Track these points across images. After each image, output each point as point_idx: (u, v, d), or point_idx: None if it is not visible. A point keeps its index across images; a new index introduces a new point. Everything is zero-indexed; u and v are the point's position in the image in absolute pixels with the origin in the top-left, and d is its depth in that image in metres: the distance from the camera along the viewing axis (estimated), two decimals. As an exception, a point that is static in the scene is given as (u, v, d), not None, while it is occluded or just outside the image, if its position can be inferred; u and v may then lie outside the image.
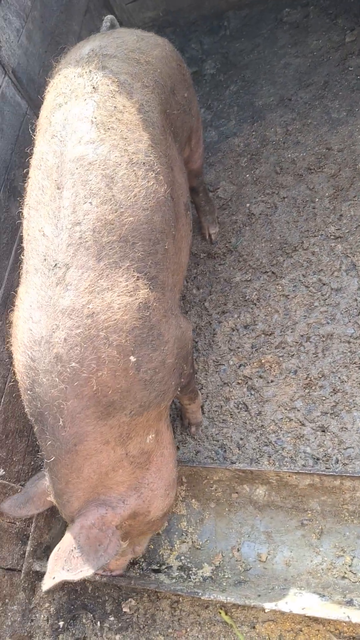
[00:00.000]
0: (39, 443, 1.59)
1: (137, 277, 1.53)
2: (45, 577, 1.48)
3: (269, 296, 2.60)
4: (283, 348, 2.44)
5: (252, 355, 2.48)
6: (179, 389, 2.01)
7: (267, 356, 2.44)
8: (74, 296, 1.44)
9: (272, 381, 2.38)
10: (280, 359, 2.42)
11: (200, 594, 1.85)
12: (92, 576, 1.94)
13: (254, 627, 1.92)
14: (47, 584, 1.46)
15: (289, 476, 1.98)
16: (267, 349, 2.46)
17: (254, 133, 3.18)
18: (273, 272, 2.65)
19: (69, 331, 1.43)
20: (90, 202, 1.50)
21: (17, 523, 2.11)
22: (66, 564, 1.45)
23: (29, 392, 1.51)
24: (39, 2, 2.73)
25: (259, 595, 1.85)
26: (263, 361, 2.44)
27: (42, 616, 2.13)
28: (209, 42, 3.74)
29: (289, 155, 2.98)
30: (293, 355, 2.41)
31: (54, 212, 1.53)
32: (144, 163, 1.61)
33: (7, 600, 2.01)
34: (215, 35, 3.76)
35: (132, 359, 1.48)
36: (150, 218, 1.59)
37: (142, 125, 1.67)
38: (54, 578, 1.45)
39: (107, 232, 1.50)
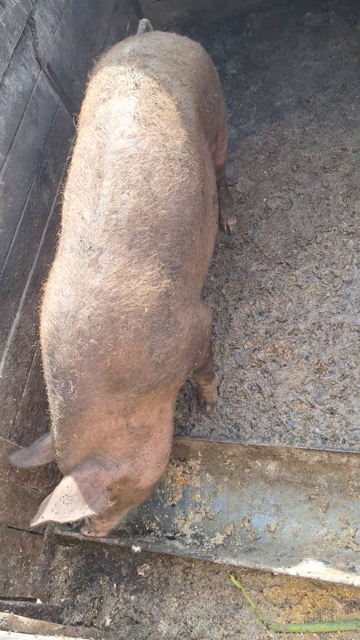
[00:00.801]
0: (49, 400, 1.72)
1: (163, 266, 1.65)
2: (35, 515, 1.63)
3: (283, 286, 2.72)
4: (296, 335, 2.56)
5: (266, 340, 2.60)
6: (196, 371, 2.15)
7: (281, 342, 2.56)
8: (103, 279, 1.58)
9: (284, 365, 2.51)
10: (293, 344, 2.54)
11: (213, 558, 1.98)
12: (84, 536, 2.09)
13: (261, 591, 2.04)
14: (35, 521, 1.61)
15: (300, 453, 2.10)
16: (281, 335, 2.59)
17: (272, 132, 3.30)
18: (287, 264, 2.78)
19: (93, 310, 1.56)
20: (128, 193, 1.63)
21: (39, 490, 2.24)
22: (55, 508, 1.58)
23: (48, 356, 1.65)
24: (72, -1, 2.87)
25: (270, 561, 1.98)
26: (276, 346, 2.56)
27: (61, 578, 2.26)
28: (231, 42, 3.87)
29: (305, 154, 3.11)
30: (305, 341, 2.53)
31: (94, 198, 1.66)
32: (180, 159, 1.74)
33: (29, 560, 2.14)
34: (238, 36, 3.88)
35: (147, 343, 1.61)
36: (182, 211, 1.72)
37: (180, 122, 1.80)
38: (42, 517, 1.59)
39: (140, 222, 1.62)
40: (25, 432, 2.22)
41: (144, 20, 2.33)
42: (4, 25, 2.23)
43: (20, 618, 1.59)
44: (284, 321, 2.62)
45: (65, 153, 2.65)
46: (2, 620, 1.52)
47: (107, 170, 1.66)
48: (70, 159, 1.85)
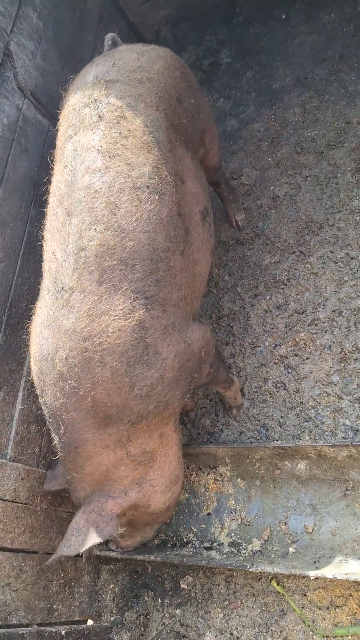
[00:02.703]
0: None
1: (134, 297, 1.62)
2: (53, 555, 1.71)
3: (299, 275, 2.63)
4: (316, 325, 2.47)
5: (286, 335, 2.52)
6: (208, 384, 2.12)
7: (301, 334, 2.48)
8: (75, 319, 1.58)
9: (307, 358, 2.42)
10: (314, 335, 2.45)
11: (248, 566, 1.94)
12: (115, 553, 2.18)
13: (305, 595, 1.98)
14: (50, 559, 1.71)
15: (327, 449, 2.03)
16: (301, 327, 2.50)
17: (273, 116, 3.20)
18: (301, 252, 2.68)
19: (69, 352, 1.57)
20: (95, 229, 1.62)
21: (74, 512, 2.27)
22: (67, 542, 1.66)
23: (40, 398, 1.70)
24: (51, 21, 2.87)
25: (308, 565, 1.92)
26: (297, 339, 2.48)
27: (108, 596, 2.28)
28: (223, 31, 3.78)
29: (309, 134, 2.99)
30: (326, 331, 2.44)
31: (64, 237, 1.66)
32: (147, 186, 1.70)
33: (72, 583, 2.17)
34: (229, 23, 3.78)
35: (126, 378, 1.59)
36: (153, 239, 1.68)
37: (147, 147, 1.75)
38: (55, 554, 1.68)
39: (108, 256, 1.61)
40: (53, 458, 2.25)
41: (109, 35, 2.29)
42: (-22, 64, 2.27)
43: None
44: (302, 312, 2.54)
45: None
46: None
47: (75, 207, 1.65)
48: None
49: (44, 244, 1.81)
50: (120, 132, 1.72)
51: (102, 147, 1.68)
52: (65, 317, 1.59)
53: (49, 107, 2.68)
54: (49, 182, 2.56)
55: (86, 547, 1.62)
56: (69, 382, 1.56)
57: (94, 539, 1.63)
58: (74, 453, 1.65)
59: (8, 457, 2.08)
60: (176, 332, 1.73)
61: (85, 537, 1.63)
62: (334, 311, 2.46)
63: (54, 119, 2.70)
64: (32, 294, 2.34)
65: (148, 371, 1.63)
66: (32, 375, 1.75)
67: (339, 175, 2.76)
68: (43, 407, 1.70)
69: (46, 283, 1.72)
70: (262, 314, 2.64)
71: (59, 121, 1.97)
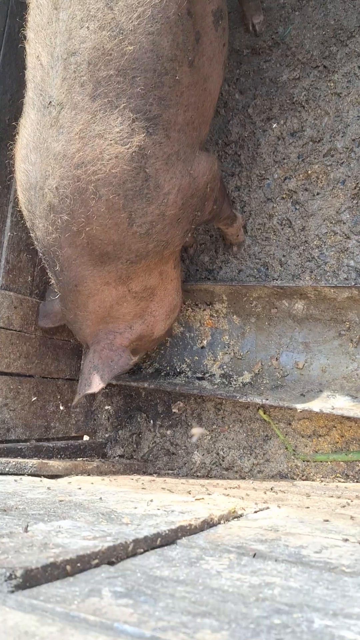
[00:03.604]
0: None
1: (134, 118, 1.37)
2: (75, 396, 1.75)
3: (319, 96, 2.31)
4: (332, 156, 2.24)
5: (298, 167, 2.30)
6: (209, 221, 1.98)
7: (314, 166, 2.26)
8: (65, 141, 1.36)
9: (318, 194, 2.24)
10: (329, 168, 2.24)
11: (237, 397, 2.00)
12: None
13: (289, 424, 2.08)
14: (75, 400, 1.76)
15: (328, 290, 1.96)
16: (315, 158, 2.27)
17: None
18: (325, 66, 2.33)
19: (59, 180, 1.38)
20: (87, 27, 1.31)
21: (71, 340, 2.29)
22: (86, 381, 1.68)
23: (30, 232, 1.56)
24: None
25: (295, 398, 1.98)
26: (310, 172, 2.27)
27: (103, 416, 2.42)
28: None
29: None
30: (342, 163, 2.21)
31: (50, 37, 1.36)
32: None
33: (69, 404, 2.28)
34: None
35: (123, 213, 1.42)
36: (157, 44, 1.37)
37: None
38: (79, 394, 1.71)
39: (104, 64, 1.33)
40: (47, 288, 2.20)
41: None
42: None
43: (51, 462, 1.72)
44: (318, 141, 2.28)
45: None
46: (32, 467, 1.65)
47: None
48: None
49: (26, 45, 1.50)
50: None
51: None
52: (54, 139, 1.38)
53: None
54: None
55: (107, 381, 1.67)
56: (61, 215, 1.41)
57: (112, 371, 1.67)
58: (74, 292, 1.57)
59: (-1, 285, 2.03)
60: (180, 162, 1.53)
61: (103, 372, 1.66)
62: (353, 140, 2.21)
63: None
64: (16, 106, 2.06)
65: (148, 207, 1.47)
66: (20, 205, 1.59)
67: (382, -33, 2.28)
68: (35, 242, 1.58)
69: (30, 96, 1.46)
70: (274, 142, 2.38)
71: None
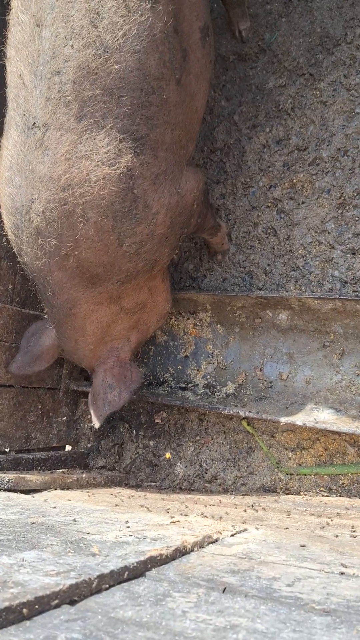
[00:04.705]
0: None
1: (121, 139, 1.35)
2: (93, 419, 1.74)
3: (305, 104, 2.29)
4: (317, 165, 2.22)
5: (283, 175, 2.28)
6: (194, 233, 1.99)
7: (300, 175, 2.24)
8: (51, 163, 1.33)
9: (303, 202, 2.22)
10: (314, 177, 2.22)
11: (220, 409, 1.97)
12: None
13: (273, 436, 2.06)
14: (98, 421, 1.72)
15: (312, 301, 1.94)
16: (300, 167, 2.25)
17: None
18: (311, 74, 2.31)
19: (46, 204, 1.35)
20: (71, 45, 1.28)
21: (53, 348, 2.26)
22: (105, 401, 1.70)
23: (19, 257, 1.55)
24: None
25: (279, 410, 1.95)
26: (295, 181, 2.25)
27: (85, 426, 2.38)
28: None
29: None
30: (327, 172, 2.20)
31: (33, 56, 1.32)
32: None
33: (50, 414, 2.24)
34: None
35: (113, 235, 1.41)
36: (144, 62, 1.35)
37: None
38: (100, 415, 1.71)
39: (89, 83, 1.30)
40: (28, 296, 2.16)
41: None
42: None
43: (29, 477, 1.68)
44: (304, 149, 2.26)
45: None
46: (8, 482, 1.61)
47: (46, 15, 1.29)
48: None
49: (7, 63, 1.46)
50: None
51: None
52: (39, 161, 1.35)
53: None
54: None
55: (128, 396, 1.71)
56: (49, 239, 1.39)
57: (130, 387, 1.72)
58: (70, 316, 1.57)
59: (-21, 293, 1.99)
60: (169, 181, 1.51)
61: (120, 389, 1.70)
62: (339, 149, 2.19)
63: None
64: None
65: (137, 227, 1.45)
66: (6, 230, 1.57)
67: (369, -25, 2.26)
68: (23, 267, 1.57)
69: (13, 116, 1.42)
70: (260, 149, 2.36)
71: None
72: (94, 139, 1.33)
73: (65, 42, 1.30)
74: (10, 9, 1.44)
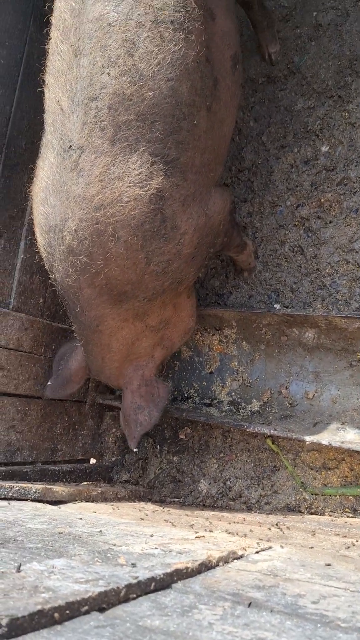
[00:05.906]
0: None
1: (152, 162, 1.41)
2: (128, 440, 1.80)
3: (334, 125, 2.32)
4: (345, 185, 2.24)
5: (311, 194, 2.30)
6: (220, 252, 2.03)
7: (327, 194, 2.26)
8: (85, 184, 1.39)
9: (330, 222, 2.23)
10: (342, 197, 2.23)
11: (245, 426, 1.97)
12: (118, 402, 2.20)
13: (298, 455, 2.05)
14: (133, 443, 1.78)
15: (339, 320, 1.94)
16: (328, 187, 2.27)
17: None
18: (340, 96, 2.33)
19: (79, 222, 1.41)
20: (108, 73, 1.34)
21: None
22: (136, 422, 1.74)
23: (51, 274, 1.60)
24: None
25: (304, 429, 1.95)
26: (322, 200, 2.26)
27: (110, 439, 2.40)
28: None
29: None
30: (356, 192, 2.21)
31: (71, 83, 1.40)
32: (171, 21, 1.38)
33: (76, 426, 2.27)
34: None
35: (141, 254, 1.45)
36: (177, 90, 1.41)
37: None
38: (134, 437, 1.77)
39: (124, 109, 1.36)
40: (58, 310, 2.21)
41: None
42: None
43: (55, 488, 1.70)
44: (332, 170, 2.28)
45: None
46: (35, 492, 1.64)
47: (84, 45, 1.36)
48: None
49: (45, 90, 1.54)
50: None
51: None
52: (73, 182, 1.41)
53: None
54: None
55: (158, 415, 1.75)
56: (80, 257, 1.44)
57: (159, 405, 1.75)
58: (96, 332, 1.61)
59: (11, 306, 2.04)
60: (197, 203, 1.56)
61: (150, 407, 1.74)
62: (367, 170, 2.20)
63: None
64: (33, 131, 2.10)
65: (166, 246, 1.49)
66: (39, 247, 1.64)
67: None
68: (55, 284, 1.63)
69: (49, 139, 1.50)
70: (287, 169, 2.38)
71: None
72: (127, 161, 1.38)
73: (102, 70, 1.36)
74: (49, 39, 1.51)
